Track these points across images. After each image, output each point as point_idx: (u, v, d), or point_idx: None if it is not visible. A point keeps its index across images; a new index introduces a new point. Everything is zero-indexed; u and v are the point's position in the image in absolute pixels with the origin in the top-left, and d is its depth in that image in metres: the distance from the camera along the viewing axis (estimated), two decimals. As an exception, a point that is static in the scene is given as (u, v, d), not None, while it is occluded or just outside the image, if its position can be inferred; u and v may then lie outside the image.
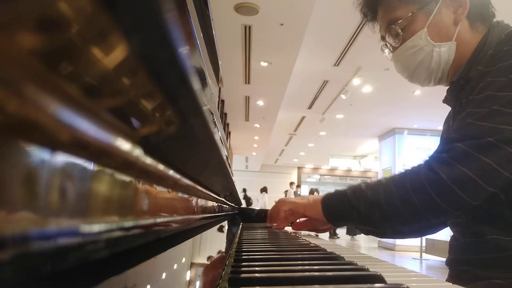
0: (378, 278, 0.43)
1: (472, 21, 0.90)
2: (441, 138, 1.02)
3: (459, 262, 0.88)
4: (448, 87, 0.98)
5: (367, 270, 0.47)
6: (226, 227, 0.93)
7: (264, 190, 11.93)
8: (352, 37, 4.57)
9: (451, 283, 0.46)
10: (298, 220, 1.13)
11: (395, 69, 1.00)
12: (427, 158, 0.81)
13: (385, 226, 0.89)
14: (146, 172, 0.22)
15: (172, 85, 0.21)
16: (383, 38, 0.99)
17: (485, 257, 0.80)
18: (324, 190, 16.60)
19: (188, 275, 0.34)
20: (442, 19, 0.89)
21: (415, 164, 0.83)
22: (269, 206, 1.59)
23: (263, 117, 7.66)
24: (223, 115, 7.10)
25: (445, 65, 0.91)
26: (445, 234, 2.63)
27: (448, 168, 0.75)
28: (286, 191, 12.43)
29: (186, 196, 0.38)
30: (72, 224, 0.13)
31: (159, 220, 0.26)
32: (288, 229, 1.31)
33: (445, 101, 1.01)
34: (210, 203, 0.63)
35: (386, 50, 1.00)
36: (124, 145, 0.17)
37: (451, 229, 0.92)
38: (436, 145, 1.11)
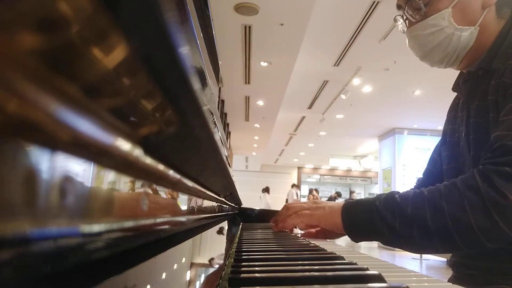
0: (378, 278, 0.43)
1: (500, 7, 0.82)
2: (446, 129, 0.96)
3: (464, 266, 0.84)
4: (457, 71, 0.91)
5: (367, 270, 0.47)
6: (226, 227, 0.93)
7: (266, 190, 11.83)
8: (352, 37, 4.57)
9: (451, 283, 0.46)
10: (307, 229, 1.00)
11: (407, 45, 0.92)
12: (481, 168, 0.69)
13: (422, 246, 0.75)
14: (146, 172, 0.22)
15: (172, 85, 0.21)
16: (399, 7, 0.91)
17: (495, 265, 0.76)
18: (324, 190, 16.63)
19: (188, 275, 0.34)
20: (470, 1, 0.82)
21: (467, 176, 0.71)
22: (271, 207, 1.56)
23: (263, 117, 7.66)
24: (223, 115, 7.11)
25: (462, 50, 0.85)
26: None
27: None
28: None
29: (186, 196, 0.38)
30: (72, 224, 0.13)
31: (159, 220, 0.26)
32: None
33: (455, 89, 0.94)
34: (210, 203, 0.63)
35: (400, 22, 0.91)
36: (124, 145, 0.17)
37: None
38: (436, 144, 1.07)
